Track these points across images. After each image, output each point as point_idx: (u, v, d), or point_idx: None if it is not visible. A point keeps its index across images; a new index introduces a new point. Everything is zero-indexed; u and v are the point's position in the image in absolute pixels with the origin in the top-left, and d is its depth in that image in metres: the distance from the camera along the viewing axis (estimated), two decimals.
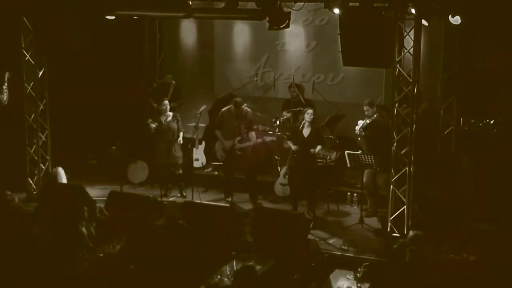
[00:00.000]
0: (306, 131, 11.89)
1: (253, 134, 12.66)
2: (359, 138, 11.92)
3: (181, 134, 12.98)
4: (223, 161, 12.84)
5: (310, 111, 11.91)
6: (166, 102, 13.04)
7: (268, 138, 12.80)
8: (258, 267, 9.08)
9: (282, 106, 13.63)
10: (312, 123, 11.88)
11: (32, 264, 9.05)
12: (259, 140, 12.61)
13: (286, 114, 13.29)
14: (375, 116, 11.76)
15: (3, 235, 9.73)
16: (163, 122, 12.88)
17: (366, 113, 11.80)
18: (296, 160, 11.89)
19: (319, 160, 12.35)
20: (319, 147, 11.89)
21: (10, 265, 8.96)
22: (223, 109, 12.75)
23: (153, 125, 12.89)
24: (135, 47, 14.89)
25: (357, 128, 11.81)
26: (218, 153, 12.83)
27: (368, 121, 11.74)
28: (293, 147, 11.88)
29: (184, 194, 13.09)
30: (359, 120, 11.90)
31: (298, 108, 13.04)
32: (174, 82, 14.23)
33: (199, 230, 9.74)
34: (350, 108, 13.21)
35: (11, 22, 12.74)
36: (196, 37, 15.27)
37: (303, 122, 11.87)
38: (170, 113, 12.97)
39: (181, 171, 13.14)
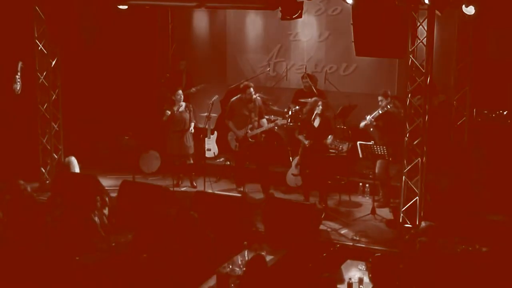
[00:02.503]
0: (316, 122, 11.86)
1: (264, 121, 12.65)
2: (371, 129, 11.89)
3: (192, 124, 13.00)
4: (236, 151, 12.81)
5: (319, 102, 11.87)
6: (180, 92, 13.03)
7: (280, 122, 12.75)
8: (269, 257, 9.11)
9: (294, 96, 13.59)
10: (321, 113, 11.84)
11: (45, 253, 9.11)
12: (271, 125, 12.59)
13: (294, 107, 13.22)
14: (389, 107, 11.73)
15: (16, 225, 9.80)
16: (176, 112, 12.88)
17: (380, 103, 11.77)
18: (308, 150, 11.87)
19: (331, 150, 12.33)
20: (330, 137, 11.85)
21: (23, 254, 9.02)
22: (233, 99, 12.73)
23: (168, 112, 12.90)
24: (147, 37, 14.89)
25: (368, 117, 11.77)
26: (232, 144, 12.79)
27: (380, 112, 11.71)
28: (306, 142, 11.84)
29: (195, 184, 13.11)
30: (368, 115, 11.89)
31: (313, 99, 13.02)
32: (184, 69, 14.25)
33: (210, 220, 9.77)
34: (362, 99, 13.17)
35: (24, 12, 12.77)
36: (208, 27, 15.26)
37: (315, 113, 11.82)
38: (183, 103, 12.98)
39: (192, 161, 13.16)
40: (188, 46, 15.37)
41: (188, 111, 12.96)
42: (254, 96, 12.58)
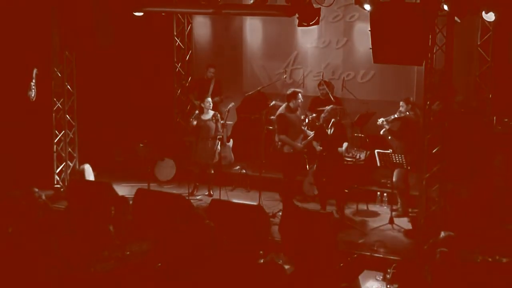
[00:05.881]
0: (330, 129, 11.82)
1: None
2: (389, 137, 11.84)
3: (219, 136, 12.82)
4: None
5: (338, 111, 11.86)
6: (209, 99, 13.00)
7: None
8: (286, 267, 9.08)
9: (310, 104, 13.57)
10: (337, 121, 11.81)
11: (59, 261, 9.13)
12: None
13: (310, 115, 13.16)
14: (408, 113, 11.70)
15: (30, 232, 9.83)
16: (203, 120, 12.88)
17: (400, 108, 11.74)
18: (323, 159, 11.84)
19: (348, 158, 12.30)
20: (345, 144, 11.82)
21: (37, 262, 9.04)
22: (281, 112, 12.15)
23: (194, 122, 12.91)
24: (164, 43, 14.95)
25: (381, 119, 11.75)
26: None
27: (396, 116, 11.69)
28: (318, 148, 11.80)
29: (212, 193, 13.11)
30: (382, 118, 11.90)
31: (330, 106, 12.99)
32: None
33: (226, 229, 9.76)
34: (380, 106, 13.13)
35: (39, 19, 12.84)
36: (225, 33, 15.29)
37: (331, 121, 11.78)
38: (211, 112, 12.96)
39: (212, 171, 13.14)
40: (205, 53, 15.40)
41: (214, 121, 12.88)
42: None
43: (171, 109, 14.94)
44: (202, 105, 12.98)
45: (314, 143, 11.90)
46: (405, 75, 13.38)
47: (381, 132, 11.88)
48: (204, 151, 12.92)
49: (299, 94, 12.14)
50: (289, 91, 12.26)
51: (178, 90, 14.97)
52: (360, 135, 12.96)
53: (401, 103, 11.80)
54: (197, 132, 12.99)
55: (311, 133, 12.26)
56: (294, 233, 10.23)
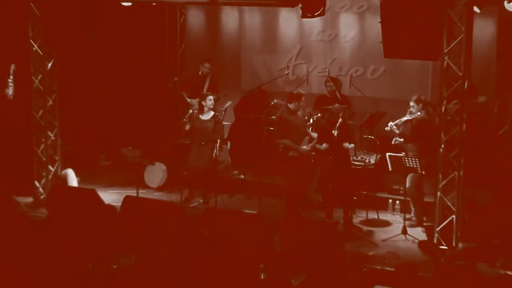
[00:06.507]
0: (335, 131, 11.73)
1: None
2: (401, 139, 11.76)
3: (218, 141, 12.71)
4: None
5: (341, 111, 11.84)
6: (211, 97, 12.88)
7: None
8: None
9: (315, 102, 13.51)
10: (343, 122, 11.74)
11: (40, 276, 9.07)
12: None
13: (315, 115, 13.07)
14: (419, 113, 11.62)
15: (8, 244, 9.76)
16: (201, 120, 12.77)
17: (411, 109, 11.67)
18: (329, 163, 11.73)
19: (356, 163, 12.22)
20: (351, 146, 11.76)
21: (16, 276, 8.98)
22: (280, 114, 12.20)
23: (187, 127, 12.83)
24: (154, 36, 14.93)
25: (390, 123, 11.68)
26: None
27: (407, 118, 11.62)
28: (323, 146, 11.67)
29: (207, 201, 13.01)
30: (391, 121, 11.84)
31: (333, 105, 12.91)
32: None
33: (223, 240, 9.71)
34: (391, 105, 13.21)
35: (18, 9, 12.77)
36: (222, 25, 15.29)
37: (338, 123, 11.68)
38: (212, 112, 12.83)
39: (207, 178, 13.02)
40: (199, 47, 15.37)
41: (214, 122, 12.74)
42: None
43: (162, 109, 14.90)
44: (203, 103, 12.84)
45: (318, 146, 11.79)
46: (419, 72, 13.39)
47: (392, 142, 11.81)
48: (200, 155, 12.82)
49: (303, 98, 12.06)
50: (294, 91, 12.22)
51: (170, 88, 14.91)
52: (369, 136, 12.90)
53: (411, 103, 11.76)
54: (193, 134, 12.85)
55: (315, 135, 12.19)
56: (297, 244, 10.21)
